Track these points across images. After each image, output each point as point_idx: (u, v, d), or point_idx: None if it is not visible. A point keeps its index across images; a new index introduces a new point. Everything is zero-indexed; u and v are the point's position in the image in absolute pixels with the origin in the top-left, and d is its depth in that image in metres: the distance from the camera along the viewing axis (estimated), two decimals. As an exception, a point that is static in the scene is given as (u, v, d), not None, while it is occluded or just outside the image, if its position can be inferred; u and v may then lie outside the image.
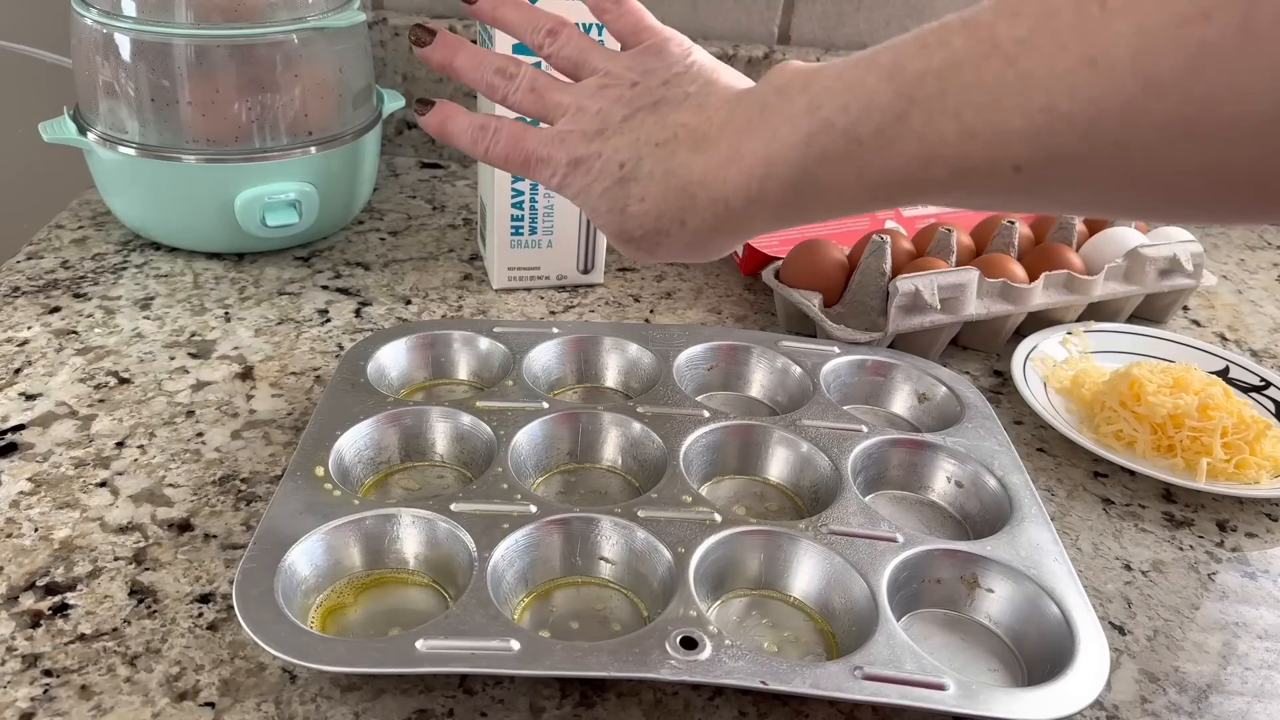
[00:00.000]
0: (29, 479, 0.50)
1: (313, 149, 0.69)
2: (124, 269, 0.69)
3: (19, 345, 0.60)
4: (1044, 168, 0.29)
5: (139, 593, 0.44)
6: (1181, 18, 0.25)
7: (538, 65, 0.45)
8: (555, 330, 0.60)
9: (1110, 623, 0.46)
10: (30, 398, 0.56)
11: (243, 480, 0.51)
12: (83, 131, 0.68)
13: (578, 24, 0.41)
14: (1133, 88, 0.26)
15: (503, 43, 0.61)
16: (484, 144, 0.44)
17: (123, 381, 0.58)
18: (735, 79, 0.41)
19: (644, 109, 0.40)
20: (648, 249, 0.41)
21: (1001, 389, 0.64)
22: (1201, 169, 0.27)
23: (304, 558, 0.42)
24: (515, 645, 0.38)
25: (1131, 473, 0.56)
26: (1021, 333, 0.67)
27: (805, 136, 0.35)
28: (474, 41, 0.84)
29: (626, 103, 0.41)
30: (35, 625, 0.42)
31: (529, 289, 0.71)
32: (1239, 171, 0.27)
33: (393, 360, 0.57)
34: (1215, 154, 0.26)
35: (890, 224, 0.77)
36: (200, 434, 0.54)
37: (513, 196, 0.67)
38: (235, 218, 0.67)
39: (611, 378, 0.60)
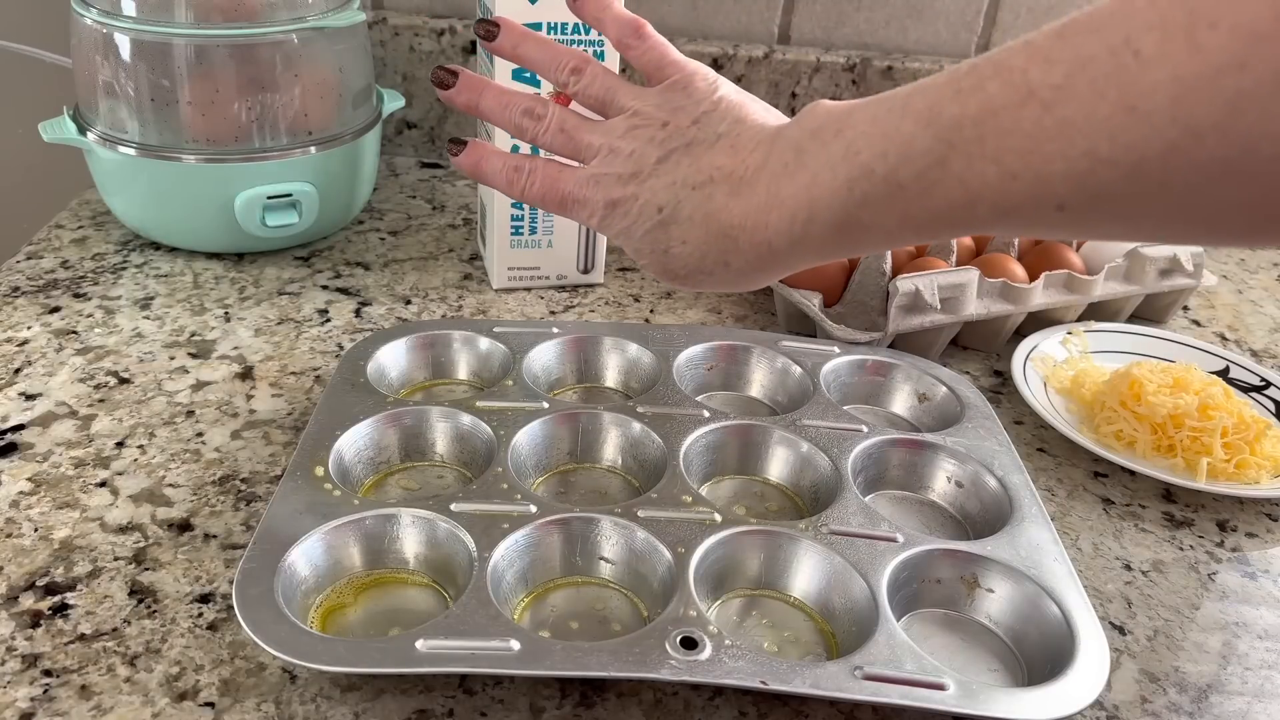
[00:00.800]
0: (29, 479, 0.50)
1: (313, 149, 0.69)
2: (124, 269, 0.69)
3: (19, 345, 0.60)
4: (1087, 206, 0.30)
5: (139, 593, 0.44)
6: (1217, 68, 0.25)
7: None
8: (555, 330, 0.60)
9: (1110, 623, 0.46)
10: (30, 398, 0.56)
11: (243, 480, 0.51)
12: (83, 131, 0.68)
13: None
14: (1172, 133, 0.26)
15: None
16: (519, 185, 0.43)
17: (123, 381, 0.58)
18: (763, 112, 0.41)
19: (677, 150, 0.40)
20: (692, 284, 0.42)
21: (1001, 389, 0.64)
22: (1244, 206, 0.27)
23: (304, 558, 0.42)
24: (515, 645, 0.38)
25: (1131, 473, 0.56)
26: (1021, 333, 0.67)
27: (846, 182, 0.35)
28: (473, 43, 0.85)
29: (659, 144, 0.40)
30: (35, 625, 0.42)
31: (529, 289, 0.71)
32: None
33: (393, 360, 0.57)
34: (1257, 192, 0.27)
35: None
36: (200, 434, 0.54)
37: (513, 196, 0.67)
38: (235, 218, 0.67)
39: (611, 378, 0.60)
